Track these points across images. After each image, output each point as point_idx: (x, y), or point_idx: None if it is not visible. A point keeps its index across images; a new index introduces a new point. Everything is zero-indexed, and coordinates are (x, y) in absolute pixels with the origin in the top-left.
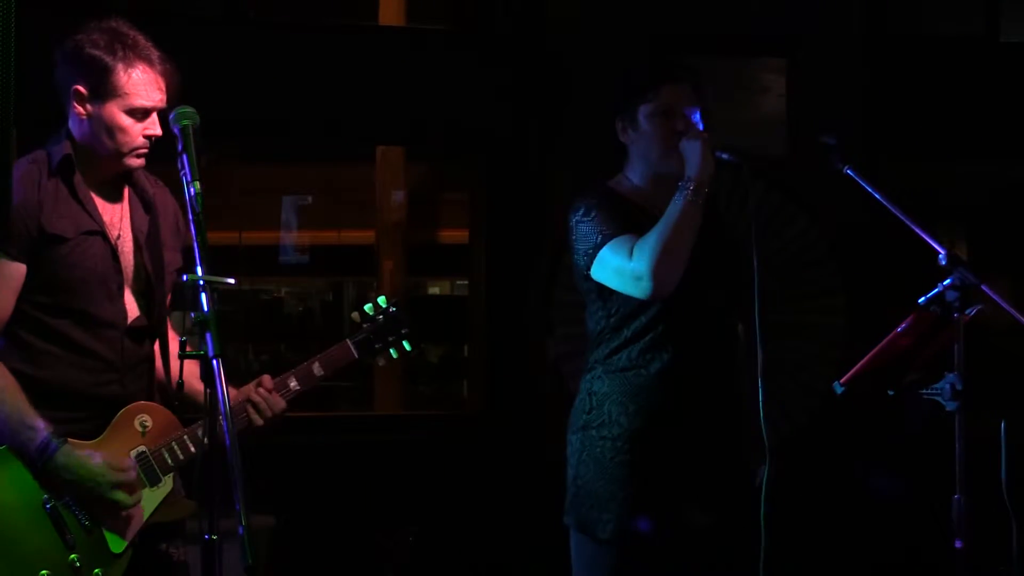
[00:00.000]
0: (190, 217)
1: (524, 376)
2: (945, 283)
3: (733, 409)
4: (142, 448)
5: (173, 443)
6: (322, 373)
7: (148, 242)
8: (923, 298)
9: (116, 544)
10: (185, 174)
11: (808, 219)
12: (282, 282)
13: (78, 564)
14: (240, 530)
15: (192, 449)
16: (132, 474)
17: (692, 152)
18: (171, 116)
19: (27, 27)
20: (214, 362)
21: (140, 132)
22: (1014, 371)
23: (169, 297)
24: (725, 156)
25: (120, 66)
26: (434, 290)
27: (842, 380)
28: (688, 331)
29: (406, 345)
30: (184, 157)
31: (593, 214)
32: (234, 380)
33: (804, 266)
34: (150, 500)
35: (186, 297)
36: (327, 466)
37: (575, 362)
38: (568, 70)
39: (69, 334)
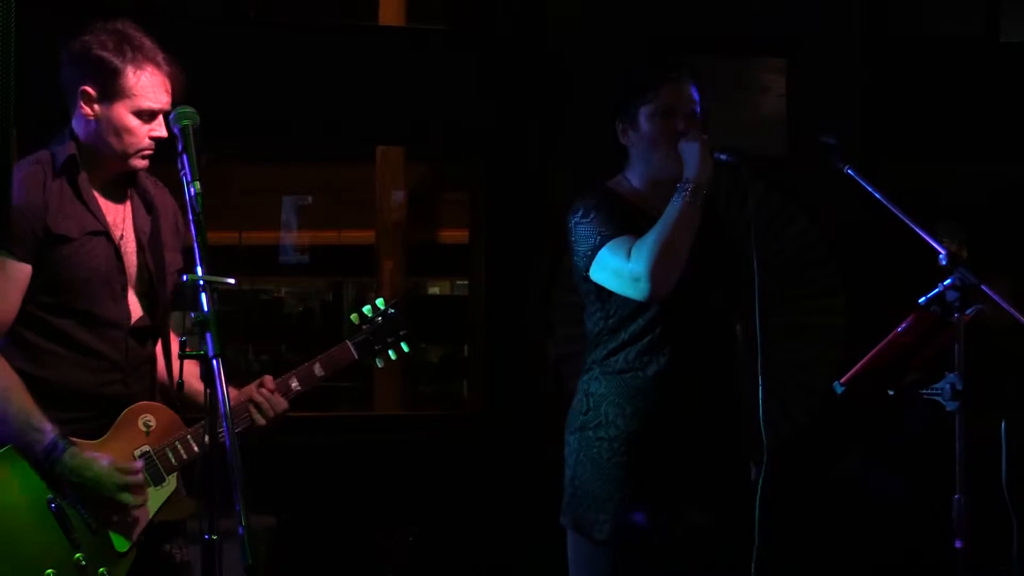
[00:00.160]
0: (190, 217)
1: (524, 376)
2: (945, 283)
3: (732, 410)
4: (146, 448)
5: (176, 443)
6: (323, 374)
7: (150, 242)
8: (923, 298)
9: (121, 543)
10: (185, 174)
11: (808, 219)
12: (282, 282)
13: (83, 563)
14: (240, 530)
15: (195, 449)
16: (139, 476)
17: (690, 153)
18: (171, 116)
19: (27, 27)
20: (214, 362)
21: (146, 133)
22: (1014, 371)
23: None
24: (724, 157)
25: (129, 68)
26: (434, 290)
27: (842, 380)
28: (686, 333)
29: (404, 347)
30: (184, 157)
31: (592, 215)
32: (234, 380)
33: (804, 266)
34: (154, 499)
35: (186, 297)
36: (327, 466)
37: (575, 362)
38: (568, 70)
39: (73, 334)
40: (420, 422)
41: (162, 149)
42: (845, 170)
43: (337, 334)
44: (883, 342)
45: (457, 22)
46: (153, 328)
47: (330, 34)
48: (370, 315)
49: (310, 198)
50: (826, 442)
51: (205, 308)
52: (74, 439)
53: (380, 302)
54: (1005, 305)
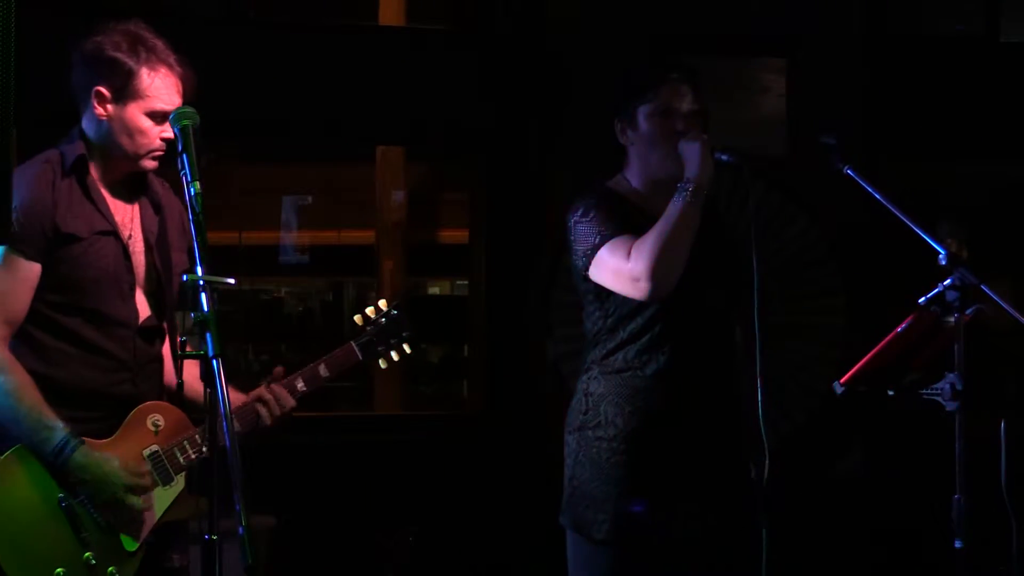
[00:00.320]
0: (190, 217)
1: (524, 376)
2: (945, 283)
3: (731, 410)
4: (155, 448)
5: (185, 442)
6: (328, 374)
7: (158, 243)
8: (923, 298)
9: (130, 543)
10: (185, 174)
11: (808, 219)
12: (282, 282)
13: (93, 562)
14: (240, 530)
15: (204, 448)
16: (146, 479)
17: (691, 153)
18: (171, 116)
19: (27, 27)
20: (214, 362)
21: (158, 135)
22: (1014, 371)
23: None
24: (724, 157)
25: (144, 69)
26: (434, 290)
27: (842, 380)
28: (686, 332)
29: (406, 348)
30: (184, 157)
31: (592, 214)
32: (234, 380)
33: (804, 266)
34: (163, 499)
35: (186, 297)
36: (327, 466)
37: (574, 362)
38: (568, 70)
39: (81, 332)
40: (420, 422)
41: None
42: (845, 170)
43: (337, 334)
44: (883, 342)
45: (457, 22)
46: (160, 328)
47: (330, 34)
48: (373, 316)
49: (310, 198)
50: (826, 442)
51: (205, 308)
52: (84, 438)
53: (383, 303)
54: (1005, 305)
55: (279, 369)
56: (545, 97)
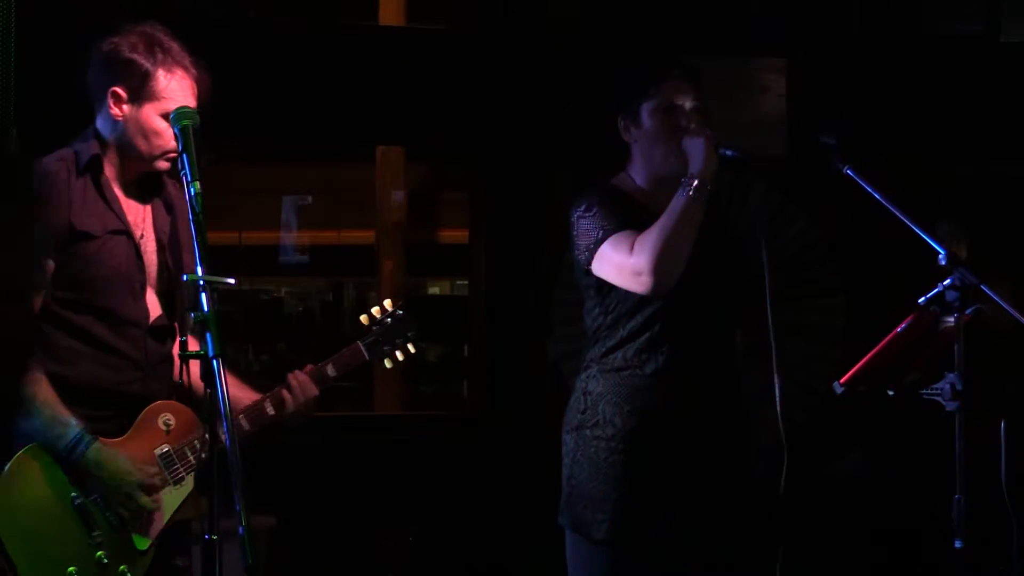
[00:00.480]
0: (190, 217)
1: (524, 376)
2: (945, 283)
3: (731, 409)
4: (166, 447)
5: (196, 442)
6: (335, 374)
7: (170, 242)
8: (923, 298)
9: (141, 542)
10: (185, 174)
11: (808, 219)
12: (282, 282)
13: (105, 560)
14: (240, 530)
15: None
16: (158, 478)
17: (695, 149)
18: (171, 116)
19: (27, 27)
20: (214, 362)
21: (172, 136)
22: (1014, 371)
23: None
24: (728, 153)
25: (161, 71)
26: (434, 290)
27: (842, 380)
28: (686, 330)
29: (411, 348)
30: (184, 157)
31: (595, 210)
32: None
33: (804, 266)
34: (174, 498)
35: (186, 297)
36: (327, 466)
37: (574, 361)
38: (568, 70)
39: (92, 331)
40: (420, 422)
41: None
42: (845, 170)
43: (337, 334)
44: (883, 342)
45: (457, 22)
46: (171, 327)
47: (330, 34)
48: (379, 316)
49: (310, 198)
50: (826, 442)
51: (205, 308)
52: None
53: (388, 303)
54: (1005, 305)
55: (310, 367)
56: (545, 97)
